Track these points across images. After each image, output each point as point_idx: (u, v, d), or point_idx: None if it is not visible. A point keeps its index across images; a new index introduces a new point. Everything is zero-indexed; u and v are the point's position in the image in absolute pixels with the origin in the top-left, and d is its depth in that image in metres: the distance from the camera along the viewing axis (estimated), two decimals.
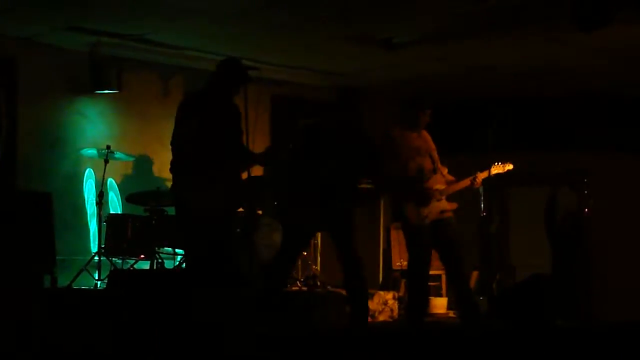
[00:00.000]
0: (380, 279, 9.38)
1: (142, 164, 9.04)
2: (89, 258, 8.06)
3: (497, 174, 7.35)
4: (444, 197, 7.08)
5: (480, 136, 7.90)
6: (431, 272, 8.43)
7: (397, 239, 9.07)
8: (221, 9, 7.40)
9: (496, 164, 7.34)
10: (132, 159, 8.71)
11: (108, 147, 8.17)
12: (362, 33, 8.07)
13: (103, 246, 8.02)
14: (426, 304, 7.43)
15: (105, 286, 7.21)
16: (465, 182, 7.16)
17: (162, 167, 9.11)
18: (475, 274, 8.92)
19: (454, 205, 7.15)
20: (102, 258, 7.97)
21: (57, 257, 7.56)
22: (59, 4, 7.38)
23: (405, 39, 8.18)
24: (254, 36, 8.20)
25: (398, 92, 10.32)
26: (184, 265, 7.97)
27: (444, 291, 9.16)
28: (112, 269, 7.83)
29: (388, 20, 7.67)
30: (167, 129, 9.13)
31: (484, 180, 7.32)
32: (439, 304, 8.89)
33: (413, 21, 7.71)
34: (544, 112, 10.27)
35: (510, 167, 7.38)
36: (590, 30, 6.48)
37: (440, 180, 7.10)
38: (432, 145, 7.18)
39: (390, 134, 7.02)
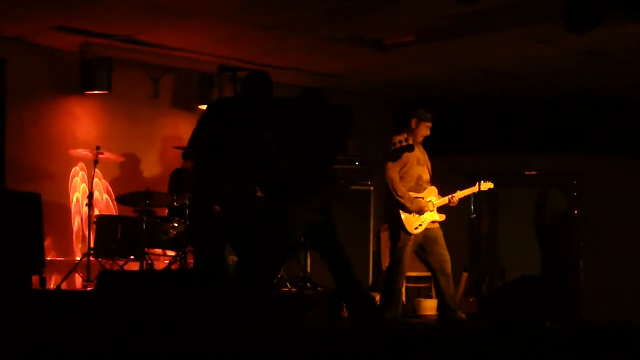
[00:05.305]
0: (370, 280, 9.36)
1: (132, 164, 9.02)
2: (78, 259, 8.04)
3: (480, 192, 7.82)
4: (435, 209, 7.46)
5: (470, 137, 7.93)
6: (421, 274, 8.53)
7: (387, 240, 9.07)
8: (211, 9, 7.39)
9: (482, 182, 7.76)
10: (121, 159, 8.69)
11: (98, 148, 8.16)
12: (353, 34, 8.06)
13: (92, 247, 8.00)
14: (397, 304, 7.56)
15: (94, 287, 7.19)
16: (444, 200, 7.56)
17: (152, 168, 9.12)
18: (465, 275, 8.94)
19: (443, 217, 7.57)
20: (91, 259, 7.96)
21: (45, 258, 7.54)
22: (49, 4, 7.36)
23: (395, 41, 8.19)
24: (244, 37, 8.19)
25: (388, 93, 10.35)
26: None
27: (433, 293, 9.15)
28: (101, 270, 7.81)
29: (378, 21, 7.67)
30: (157, 129, 9.27)
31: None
32: (429, 306, 8.87)
33: (402, 22, 7.71)
34: (534, 114, 10.28)
35: (491, 185, 7.83)
36: (580, 32, 6.49)
37: (434, 192, 7.44)
38: (428, 158, 7.54)
39: (395, 140, 7.09)
